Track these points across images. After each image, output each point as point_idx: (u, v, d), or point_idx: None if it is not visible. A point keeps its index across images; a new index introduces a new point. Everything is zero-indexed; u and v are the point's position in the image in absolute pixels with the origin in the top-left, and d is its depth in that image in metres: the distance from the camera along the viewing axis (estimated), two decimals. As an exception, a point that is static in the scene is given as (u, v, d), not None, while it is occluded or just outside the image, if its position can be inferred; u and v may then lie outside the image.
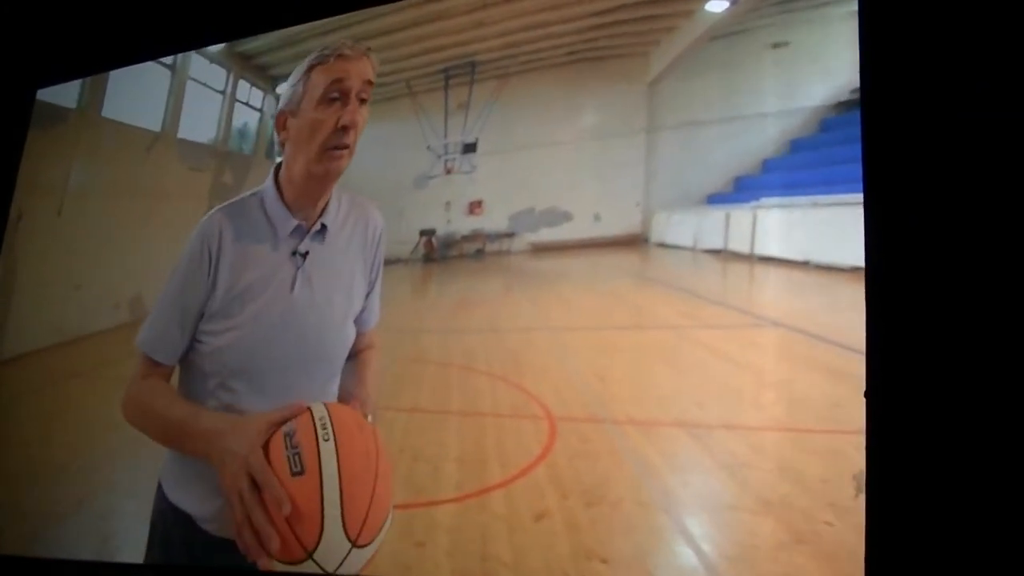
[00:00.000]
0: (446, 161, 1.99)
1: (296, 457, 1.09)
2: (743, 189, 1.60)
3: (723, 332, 1.52)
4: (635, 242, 1.72)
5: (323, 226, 1.32)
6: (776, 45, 1.56)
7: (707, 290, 1.63)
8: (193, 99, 2.17)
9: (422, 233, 1.98)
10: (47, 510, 1.96)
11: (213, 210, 1.34)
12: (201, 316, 1.29)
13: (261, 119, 2.22)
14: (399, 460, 1.73)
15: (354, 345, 1.38)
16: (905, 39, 1.25)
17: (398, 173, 2.04)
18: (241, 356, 1.27)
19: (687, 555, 1.38)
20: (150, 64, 2.09)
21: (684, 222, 1.68)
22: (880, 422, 1.15)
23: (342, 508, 1.07)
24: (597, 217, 1.81)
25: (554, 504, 1.54)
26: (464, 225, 1.95)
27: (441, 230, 1.96)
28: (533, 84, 1.93)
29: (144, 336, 1.32)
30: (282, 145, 1.32)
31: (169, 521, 1.32)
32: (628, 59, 1.83)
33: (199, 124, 2.20)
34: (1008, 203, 1.14)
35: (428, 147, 2.01)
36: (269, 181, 1.33)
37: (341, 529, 1.08)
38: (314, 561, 1.08)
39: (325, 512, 1.07)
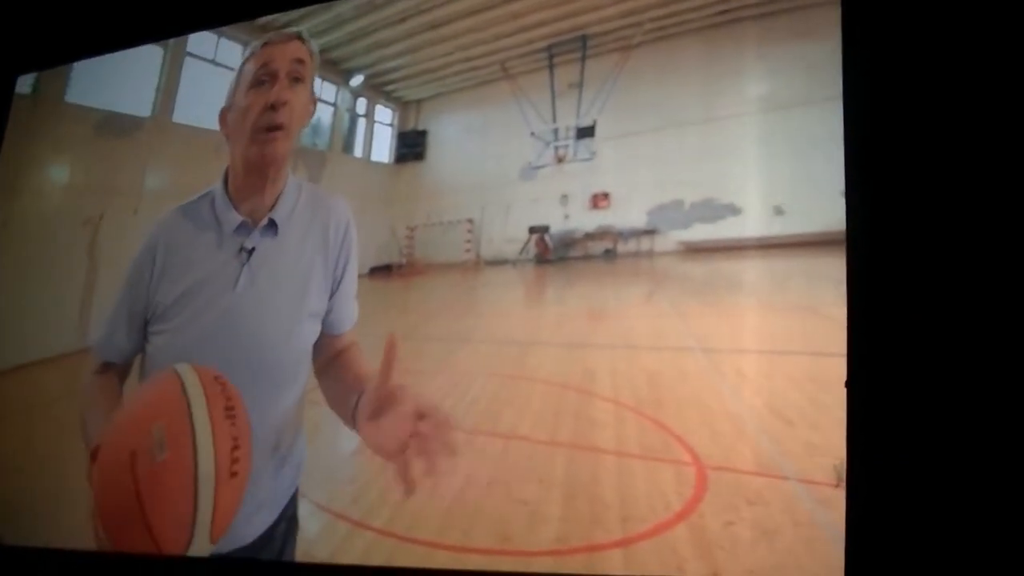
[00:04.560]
0: (556, 148, 1.74)
1: None
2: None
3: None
4: (840, 242, 1.32)
5: (271, 221, 1.29)
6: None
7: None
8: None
9: (532, 231, 1.72)
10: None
11: (167, 211, 1.36)
12: (146, 319, 1.31)
13: (335, 114, 2.13)
14: (486, 495, 1.42)
15: (331, 348, 1.33)
16: (885, 37, 1.25)
17: (500, 164, 1.82)
18: (178, 357, 1.22)
19: None
20: (217, 69, 2.07)
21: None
22: (861, 412, 1.14)
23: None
24: (778, 210, 1.41)
25: (698, 579, 1.16)
26: (587, 221, 1.65)
27: (557, 227, 1.68)
28: (669, 53, 1.63)
29: (95, 336, 1.37)
30: (227, 140, 1.35)
31: None
32: (809, 11, 1.45)
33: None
34: (994, 200, 1.14)
35: (532, 134, 1.76)
36: (219, 180, 1.33)
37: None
38: None
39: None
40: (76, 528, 1.74)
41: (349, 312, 1.35)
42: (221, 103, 2.05)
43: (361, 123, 2.09)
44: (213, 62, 2.03)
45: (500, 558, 1.36)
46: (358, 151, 2.08)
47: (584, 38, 1.72)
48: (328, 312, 1.32)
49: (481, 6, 1.83)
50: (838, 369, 1.16)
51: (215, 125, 2.08)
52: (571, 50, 1.74)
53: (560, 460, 1.42)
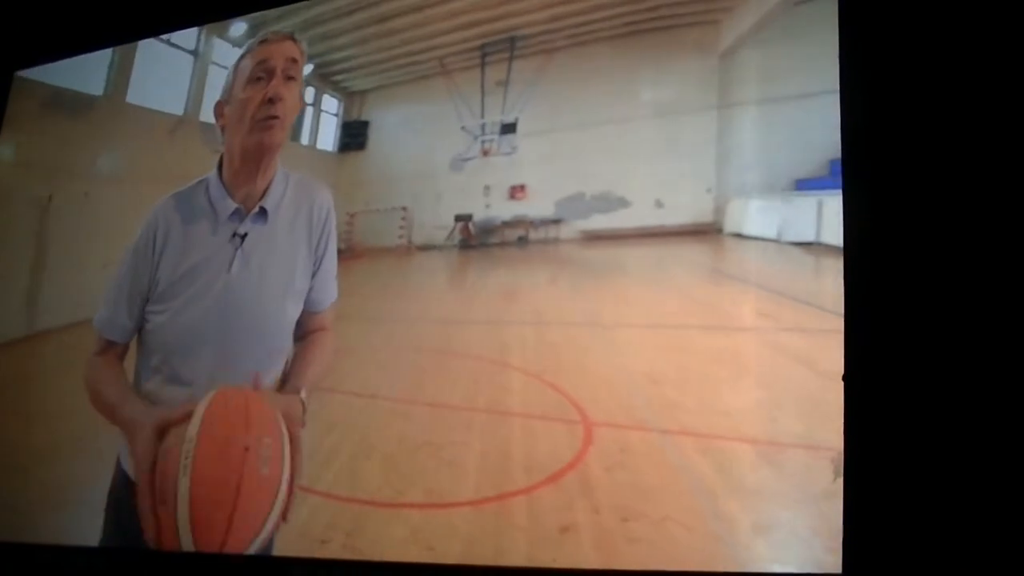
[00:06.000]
0: (483, 142, 1.86)
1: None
2: (840, 173, 1.37)
3: (810, 337, 1.31)
4: (706, 232, 1.52)
5: (262, 209, 1.38)
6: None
7: (793, 288, 1.40)
8: (216, 82, 2.15)
9: (458, 218, 1.85)
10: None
11: (164, 197, 1.43)
12: (147, 299, 1.39)
13: (285, 100, 2.17)
14: (415, 457, 1.60)
15: (305, 326, 1.42)
16: (883, 33, 1.27)
17: (433, 155, 1.93)
18: (177, 334, 1.34)
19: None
20: (173, 51, 2.11)
21: (767, 210, 1.46)
22: (858, 406, 1.15)
23: (193, 535, 1.18)
24: (659, 203, 1.61)
25: (583, 518, 1.37)
26: (505, 210, 1.80)
27: (480, 215, 1.82)
28: (583, 59, 1.78)
29: (98, 316, 1.43)
30: (223, 132, 1.41)
31: (120, 486, 1.38)
32: (695, 28, 1.64)
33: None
34: (989, 195, 1.16)
35: (463, 128, 1.88)
36: (214, 168, 1.41)
37: (192, 545, 1.19)
38: None
39: (181, 537, 1.19)
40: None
41: (329, 290, 1.44)
42: (177, 85, 2.09)
43: (308, 111, 2.12)
44: (168, 43, 2.07)
45: (430, 511, 1.52)
46: (305, 138, 2.13)
47: (513, 39, 1.83)
48: (310, 290, 1.42)
49: (423, 3, 1.90)
50: (700, 339, 1.36)
51: (170, 108, 2.12)
52: (501, 50, 1.85)
53: (477, 423, 1.60)
